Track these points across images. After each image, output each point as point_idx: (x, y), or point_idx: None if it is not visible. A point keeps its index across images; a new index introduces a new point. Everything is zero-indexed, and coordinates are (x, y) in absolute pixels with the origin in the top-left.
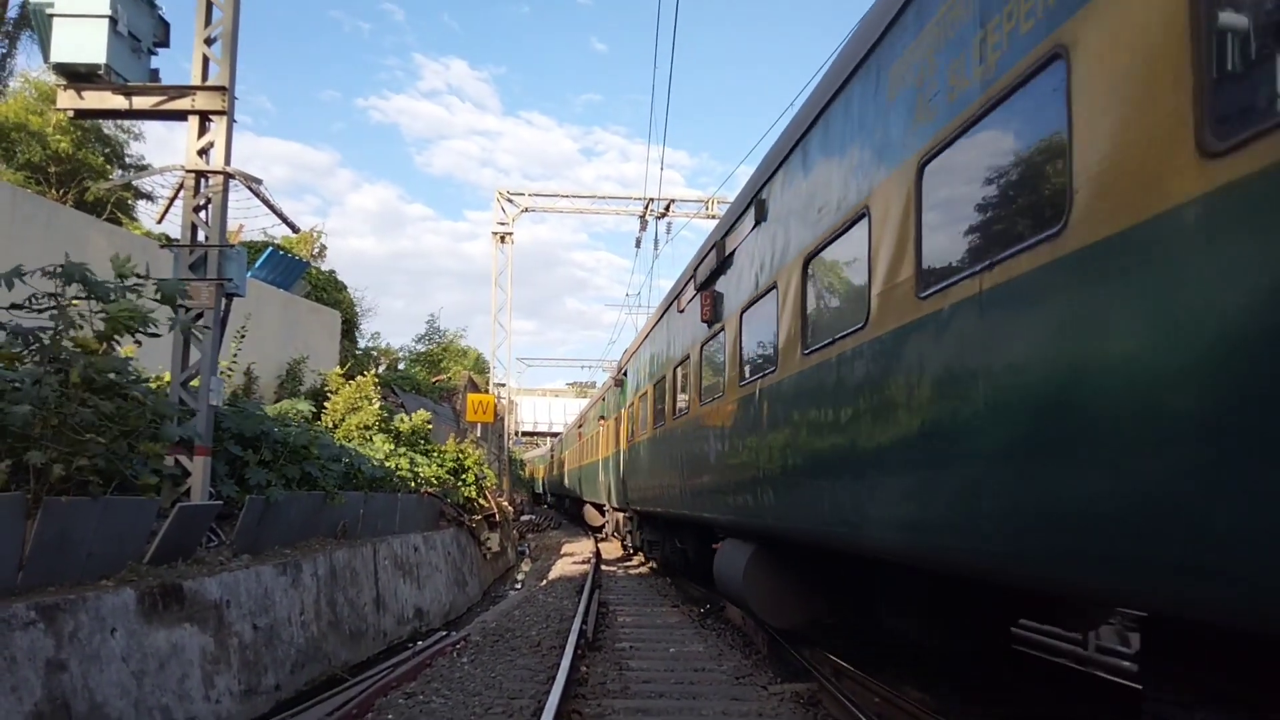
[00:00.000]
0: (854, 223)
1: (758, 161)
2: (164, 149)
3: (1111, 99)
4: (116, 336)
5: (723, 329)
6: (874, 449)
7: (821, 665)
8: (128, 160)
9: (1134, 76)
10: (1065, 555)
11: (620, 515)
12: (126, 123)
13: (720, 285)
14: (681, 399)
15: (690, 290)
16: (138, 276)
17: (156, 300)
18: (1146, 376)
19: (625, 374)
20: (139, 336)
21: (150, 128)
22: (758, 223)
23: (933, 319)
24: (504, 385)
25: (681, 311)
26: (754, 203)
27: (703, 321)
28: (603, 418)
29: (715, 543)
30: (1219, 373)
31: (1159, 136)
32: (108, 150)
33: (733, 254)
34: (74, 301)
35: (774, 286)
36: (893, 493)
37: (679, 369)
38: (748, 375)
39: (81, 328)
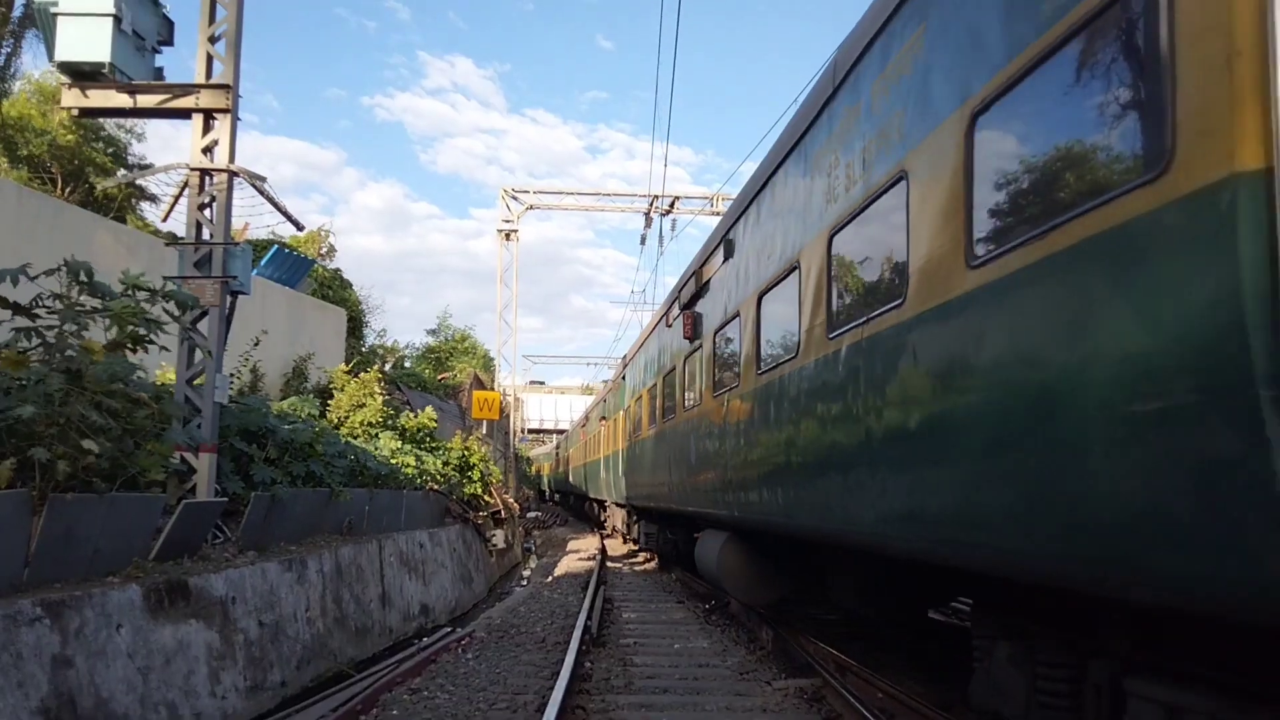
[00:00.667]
0: (790, 272)
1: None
2: (169, 149)
3: (927, 215)
4: (126, 346)
5: (700, 346)
6: (798, 456)
7: (825, 661)
8: (130, 161)
9: (937, 204)
10: (911, 535)
11: (620, 510)
12: (129, 123)
13: (699, 307)
14: (669, 405)
15: (676, 309)
16: (149, 290)
17: (170, 314)
18: (943, 403)
19: (624, 377)
20: (150, 344)
21: (155, 128)
22: (726, 259)
23: (835, 356)
24: (510, 385)
25: (669, 326)
26: (724, 242)
27: (685, 338)
28: (604, 418)
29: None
30: (985, 405)
31: (949, 248)
32: (111, 150)
33: (708, 282)
34: (80, 302)
35: (738, 315)
36: (807, 488)
37: (667, 378)
38: (719, 388)
39: (88, 327)
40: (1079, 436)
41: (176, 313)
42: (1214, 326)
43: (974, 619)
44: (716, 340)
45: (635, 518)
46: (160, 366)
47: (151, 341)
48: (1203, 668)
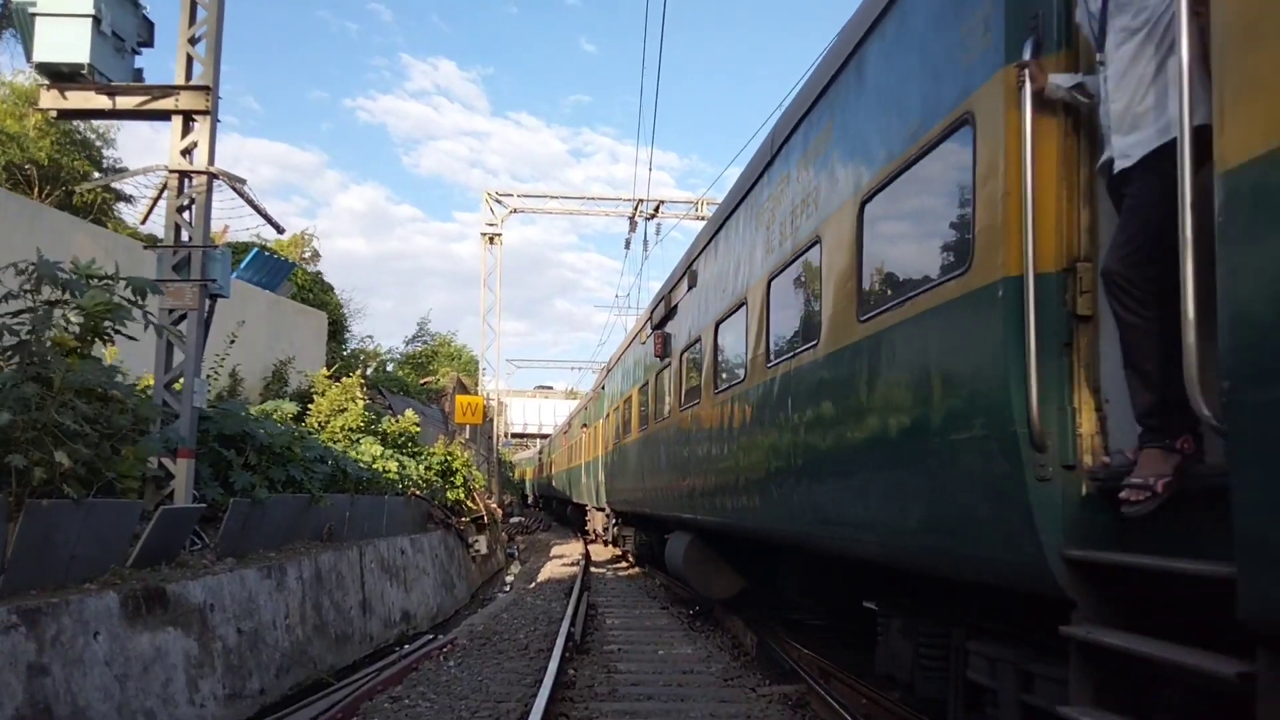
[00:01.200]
0: (740, 307)
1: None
2: (148, 153)
3: (834, 274)
4: (94, 337)
5: (669, 364)
6: (745, 467)
7: (809, 666)
8: (106, 165)
9: (840, 267)
10: (828, 534)
11: (600, 514)
12: (102, 128)
13: (669, 328)
14: (643, 416)
15: (649, 328)
16: (105, 277)
17: (130, 302)
18: (843, 429)
19: (604, 387)
20: (119, 338)
21: (132, 133)
22: (690, 288)
23: (771, 383)
24: (496, 390)
25: (643, 344)
26: (688, 272)
27: (655, 356)
28: (585, 425)
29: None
30: (869, 432)
31: (846, 304)
32: (86, 155)
33: (676, 306)
34: (50, 302)
35: (699, 339)
36: (753, 495)
37: (641, 390)
38: (685, 403)
39: (62, 328)
40: (924, 457)
41: (135, 300)
42: (991, 380)
43: (878, 603)
44: (683, 359)
45: (615, 521)
46: (142, 374)
47: (117, 329)
48: (1020, 630)
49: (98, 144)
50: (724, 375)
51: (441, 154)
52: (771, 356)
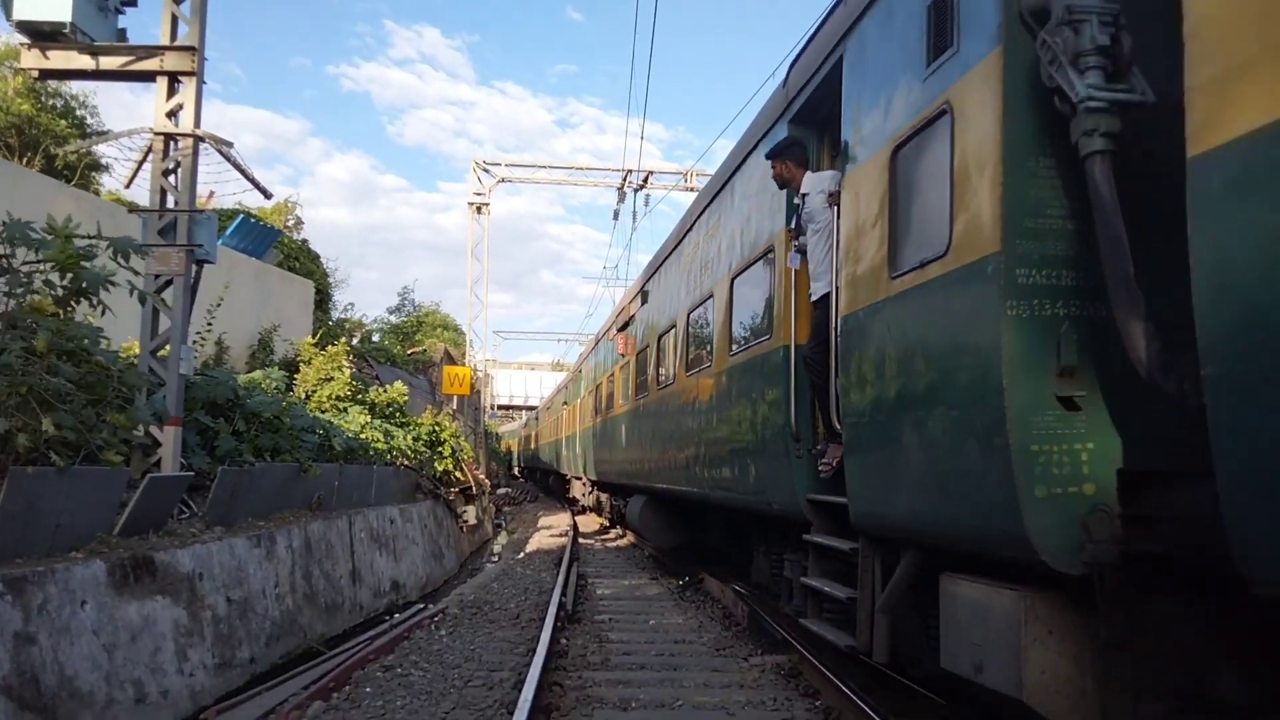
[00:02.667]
0: (671, 328)
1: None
2: (131, 121)
3: (720, 321)
4: (78, 299)
5: (626, 363)
6: (669, 445)
7: (800, 637)
8: (87, 132)
9: (721, 319)
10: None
11: (578, 482)
12: (82, 95)
13: (629, 331)
14: (610, 399)
15: (614, 330)
16: (86, 238)
17: (117, 263)
18: (720, 425)
19: (581, 371)
20: (102, 303)
21: (114, 98)
22: (643, 304)
23: (687, 387)
24: (487, 361)
25: (611, 340)
26: (641, 291)
27: (619, 354)
28: (565, 403)
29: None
30: (730, 427)
31: (725, 343)
32: (67, 120)
33: (633, 317)
34: (26, 264)
35: (648, 346)
36: (679, 465)
37: (610, 378)
38: (637, 394)
39: (37, 291)
40: (751, 444)
41: (119, 262)
42: (778, 404)
43: (752, 540)
44: (638, 358)
45: (591, 488)
46: (127, 340)
47: (103, 287)
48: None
49: (79, 111)
50: (662, 376)
51: (426, 123)
52: (689, 367)
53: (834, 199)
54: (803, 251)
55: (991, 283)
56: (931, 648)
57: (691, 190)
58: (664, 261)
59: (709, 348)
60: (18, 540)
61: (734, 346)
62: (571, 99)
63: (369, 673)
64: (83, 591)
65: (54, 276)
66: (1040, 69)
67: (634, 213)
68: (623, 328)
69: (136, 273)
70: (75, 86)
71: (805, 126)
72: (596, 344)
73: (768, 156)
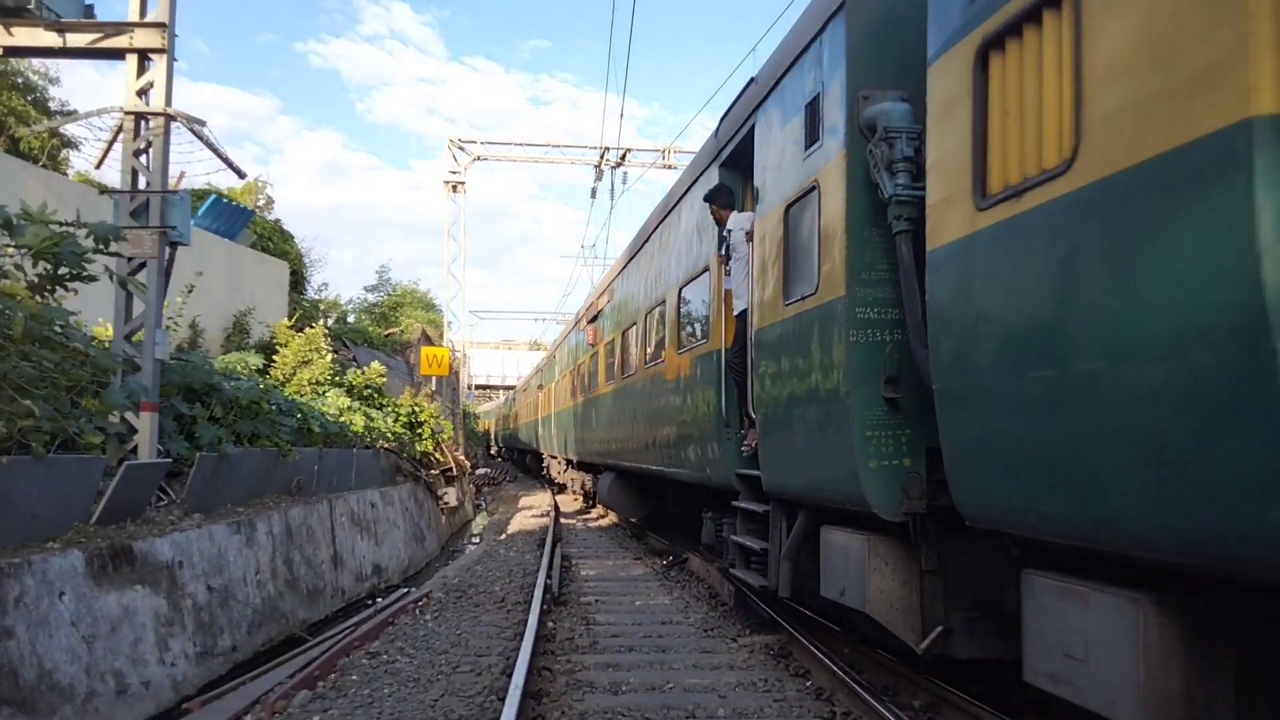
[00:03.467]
0: (632, 325)
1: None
2: (96, 99)
3: (669, 325)
4: (54, 285)
5: (595, 352)
6: (631, 428)
7: (789, 617)
8: (53, 109)
9: (671, 322)
10: (669, 468)
11: (554, 460)
12: (44, 67)
13: (598, 324)
14: (581, 386)
15: (585, 321)
16: (63, 223)
17: (95, 250)
18: (665, 412)
19: (555, 357)
20: (76, 285)
21: (76, 77)
22: (610, 300)
23: (642, 379)
24: (465, 342)
25: (581, 331)
26: (609, 288)
27: (589, 344)
28: (541, 386)
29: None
30: (675, 415)
31: (674, 342)
32: (31, 98)
33: (601, 311)
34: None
35: (615, 338)
36: (638, 445)
37: (581, 366)
38: (607, 379)
39: (18, 277)
40: (692, 430)
41: (99, 248)
42: (712, 397)
43: (701, 509)
44: (605, 349)
45: (567, 466)
46: (99, 322)
47: (78, 278)
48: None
49: (41, 84)
50: (626, 366)
51: (398, 100)
52: (647, 360)
53: (750, 235)
54: (729, 274)
55: (840, 317)
56: (819, 583)
57: (669, 168)
58: (628, 263)
59: (662, 345)
60: None
61: (680, 346)
62: (545, 75)
63: (354, 660)
64: (60, 582)
65: (28, 264)
66: (870, 168)
67: (611, 190)
68: (593, 319)
69: (116, 255)
70: (38, 63)
71: (732, 170)
72: (570, 330)
73: (705, 199)
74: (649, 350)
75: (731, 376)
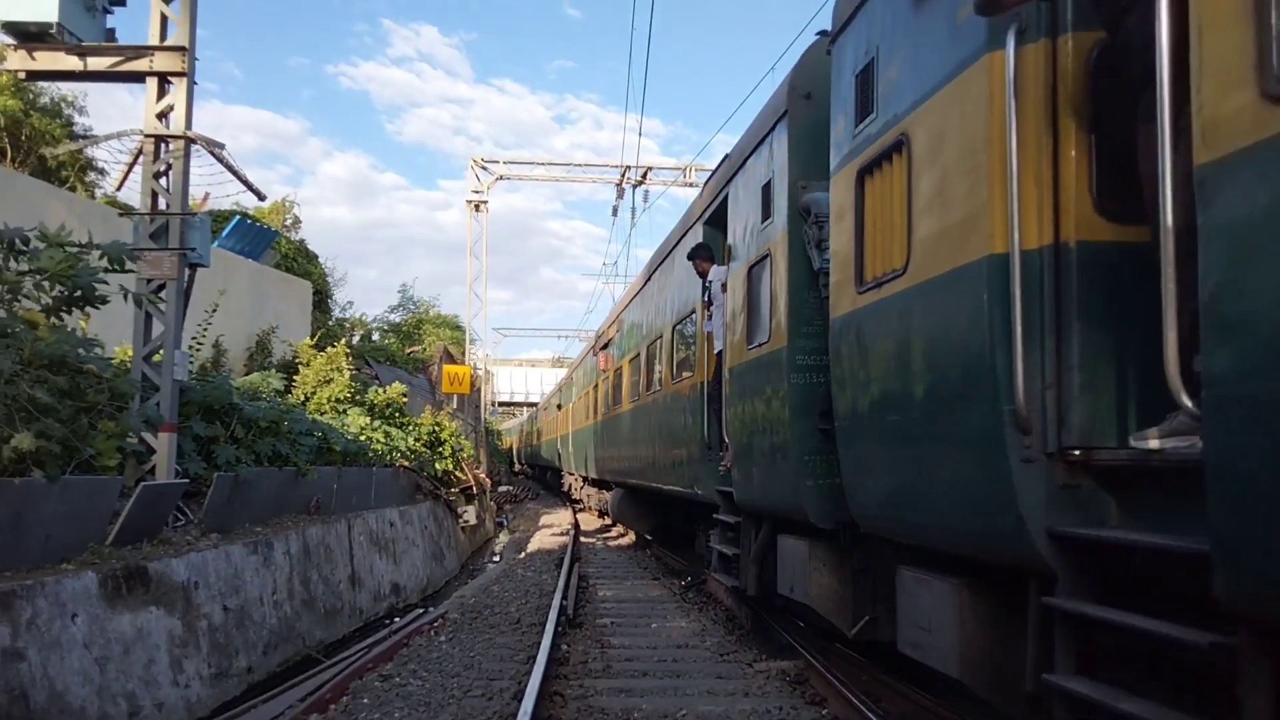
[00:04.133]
0: (637, 355)
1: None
2: (128, 119)
3: (664, 358)
4: (69, 308)
5: (607, 377)
6: (635, 448)
7: (806, 642)
8: (74, 132)
9: (666, 357)
10: (664, 483)
11: (570, 476)
12: (71, 95)
13: (609, 351)
14: (594, 407)
15: (596, 348)
16: (78, 245)
17: (108, 269)
18: (661, 435)
19: (573, 379)
20: (90, 309)
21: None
22: (619, 330)
23: (645, 405)
24: (488, 358)
25: (595, 356)
26: (618, 320)
27: (600, 370)
28: (560, 405)
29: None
30: (669, 436)
31: (668, 374)
32: (58, 121)
33: (611, 340)
34: (21, 272)
35: (622, 366)
36: (641, 464)
37: (594, 389)
38: (611, 405)
39: (29, 298)
40: (677, 450)
41: (112, 268)
42: (695, 426)
43: (695, 522)
44: (614, 375)
45: (583, 483)
46: (120, 345)
47: (90, 303)
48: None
49: (67, 111)
50: (632, 392)
51: (425, 121)
52: (649, 387)
53: (724, 287)
54: (710, 319)
55: (785, 362)
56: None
57: (690, 185)
58: (633, 299)
59: (660, 375)
60: (6, 553)
61: (674, 377)
62: (569, 95)
63: (367, 682)
64: (73, 604)
65: (45, 285)
66: (805, 244)
67: (633, 208)
68: (604, 347)
69: (131, 272)
70: (65, 86)
71: (715, 227)
72: (587, 353)
73: (688, 257)
74: (650, 378)
75: (712, 406)
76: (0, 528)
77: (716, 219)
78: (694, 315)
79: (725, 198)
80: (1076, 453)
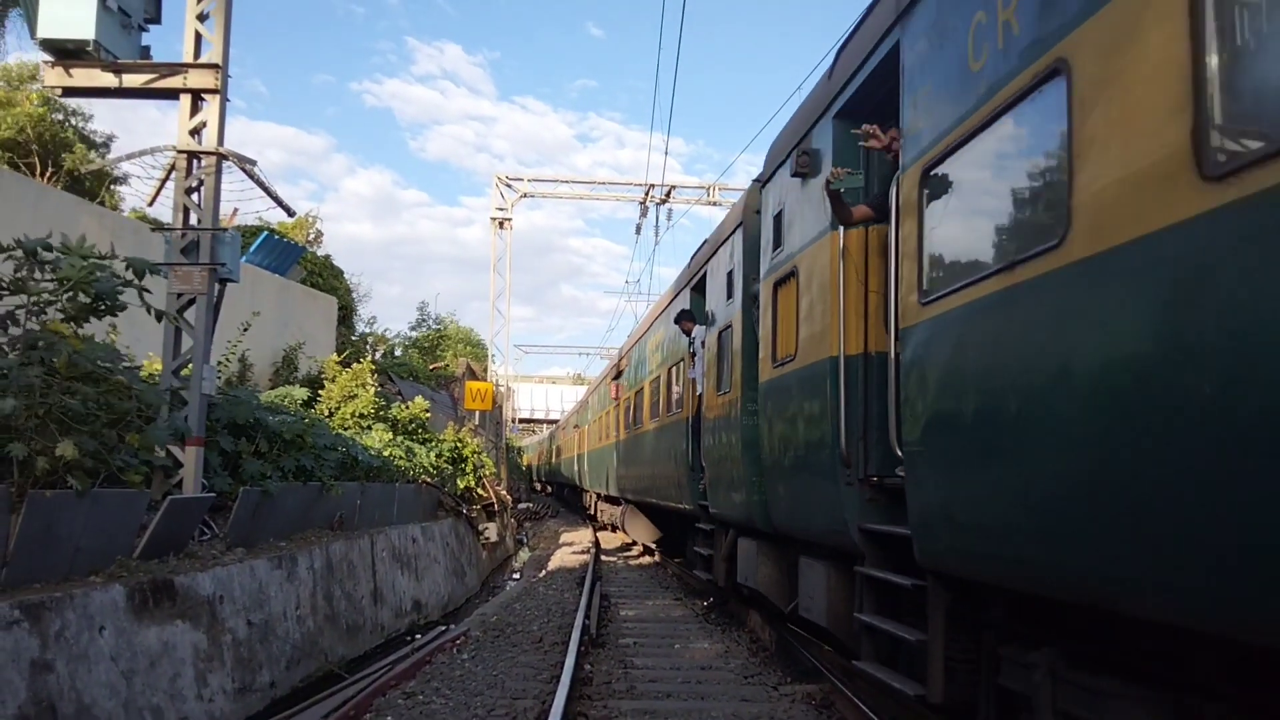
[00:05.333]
0: (639, 391)
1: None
2: (156, 135)
3: (661, 395)
4: (89, 316)
5: (618, 404)
6: (639, 468)
7: (831, 665)
8: (94, 142)
9: (664, 394)
10: (659, 498)
11: (587, 493)
12: (85, 106)
13: (620, 381)
14: (607, 430)
15: (610, 378)
16: (101, 256)
17: (128, 283)
18: (654, 459)
19: (587, 403)
20: (125, 325)
21: (138, 115)
22: (629, 364)
23: (649, 431)
24: (509, 376)
25: (609, 384)
26: (628, 354)
27: (612, 398)
28: (577, 426)
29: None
30: (660, 460)
31: (666, 407)
32: (80, 132)
33: (621, 372)
34: (42, 283)
35: (630, 396)
36: (645, 481)
37: (608, 413)
38: (625, 428)
39: (53, 308)
40: (664, 468)
41: (132, 281)
42: (682, 453)
43: (688, 533)
44: (623, 404)
45: (597, 499)
46: (148, 356)
47: (111, 312)
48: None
49: (77, 123)
50: (638, 420)
51: (448, 138)
52: (651, 416)
53: (704, 344)
54: (694, 368)
55: (739, 408)
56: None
57: (714, 204)
58: (639, 339)
59: (657, 408)
60: (36, 565)
61: (669, 410)
62: (592, 113)
63: (390, 700)
64: (101, 617)
65: (64, 295)
66: (753, 321)
67: (656, 226)
68: (615, 377)
69: (149, 290)
70: (74, 101)
71: (698, 293)
72: (601, 380)
73: (674, 321)
74: (650, 410)
75: (694, 438)
76: (32, 539)
77: (699, 287)
78: (681, 362)
79: (705, 273)
80: (874, 479)
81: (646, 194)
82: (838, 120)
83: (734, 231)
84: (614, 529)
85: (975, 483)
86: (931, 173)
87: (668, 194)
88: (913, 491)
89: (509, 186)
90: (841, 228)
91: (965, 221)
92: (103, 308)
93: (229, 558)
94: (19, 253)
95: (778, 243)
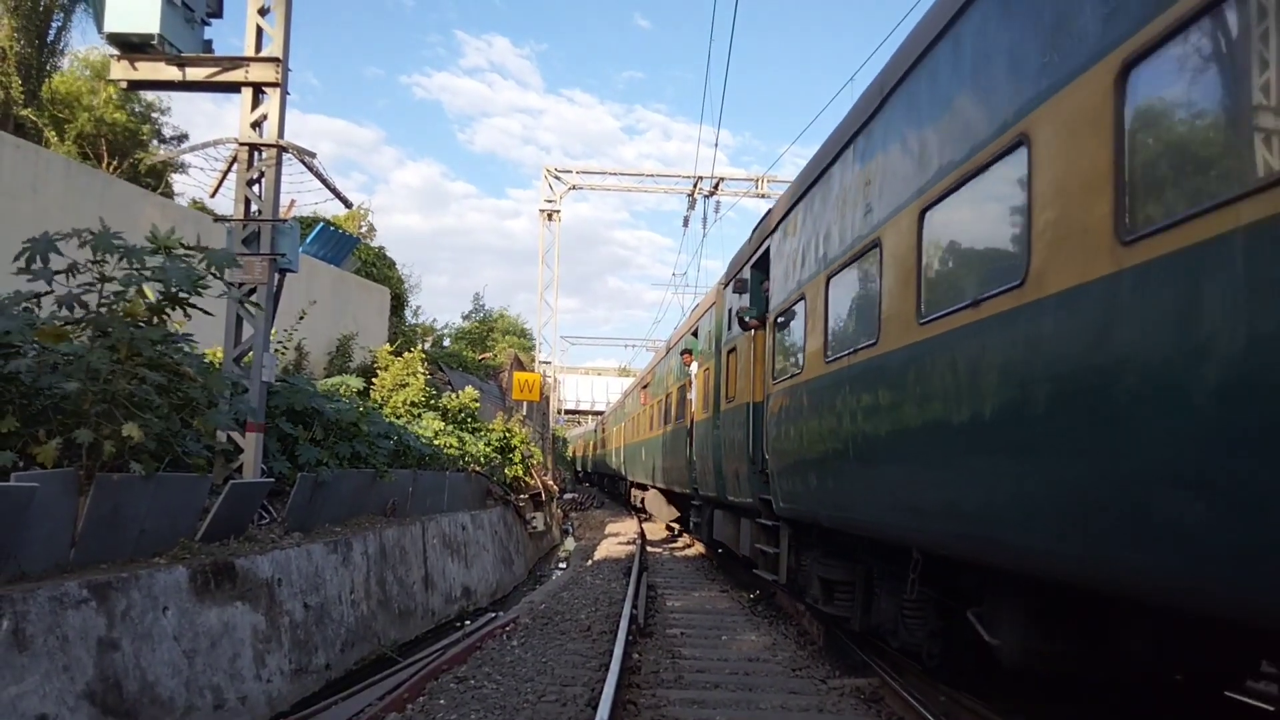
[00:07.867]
0: (666, 397)
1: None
2: (213, 128)
3: (676, 400)
4: (172, 306)
5: (648, 408)
6: (662, 459)
7: (880, 659)
8: (167, 136)
9: (702, 393)
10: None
11: (624, 482)
12: (157, 100)
13: (649, 390)
14: (641, 425)
15: (641, 387)
16: (184, 247)
17: (213, 275)
18: (672, 453)
19: (625, 402)
20: (189, 309)
21: (194, 107)
22: (655, 376)
23: (672, 431)
24: (549, 363)
25: (642, 389)
26: (652, 370)
27: (642, 404)
28: (617, 422)
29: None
30: (672, 454)
31: (684, 413)
32: (147, 124)
33: (647, 383)
34: (104, 265)
35: (654, 403)
36: (670, 469)
37: (643, 412)
38: (652, 427)
39: (127, 297)
40: (671, 456)
41: (214, 274)
42: (686, 455)
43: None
44: (651, 409)
45: (633, 488)
46: (211, 346)
47: (191, 304)
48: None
49: (154, 115)
50: (660, 422)
51: (495, 131)
52: (665, 421)
53: (695, 376)
54: (692, 391)
55: (710, 423)
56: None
57: (763, 196)
58: (660, 361)
59: (670, 415)
60: (103, 545)
61: (678, 418)
62: (638, 106)
63: (442, 684)
64: (165, 597)
65: (149, 288)
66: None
67: (704, 219)
68: (644, 386)
69: (229, 284)
70: (148, 94)
71: (695, 337)
72: (634, 388)
73: (680, 353)
74: (667, 415)
75: (690, 442)
76: (99, 521)
77: (695, 333)
78: (683, 385)
79: (699, 327)
80: (762, 469)
81: (695, 186)
82: (752, 269)
83: (714, 303)
84: (644, 511)
85: (792, 474)
86: (777, 319)
87: (716, 186)
88: (772, 476)
89: (558, 179)
90: (750, 331)
91: (791, 343)
92: (184, 297)
93: (287, 541)
94: (87, 240)
95: (730, 326)
